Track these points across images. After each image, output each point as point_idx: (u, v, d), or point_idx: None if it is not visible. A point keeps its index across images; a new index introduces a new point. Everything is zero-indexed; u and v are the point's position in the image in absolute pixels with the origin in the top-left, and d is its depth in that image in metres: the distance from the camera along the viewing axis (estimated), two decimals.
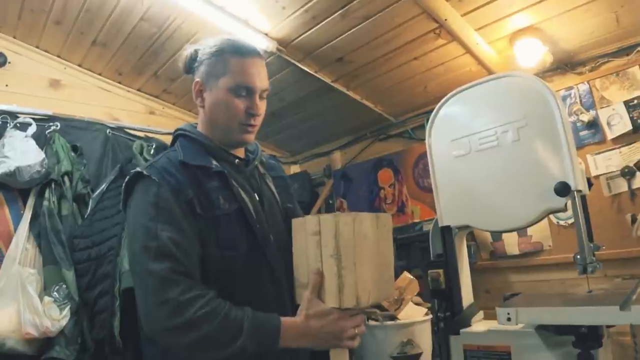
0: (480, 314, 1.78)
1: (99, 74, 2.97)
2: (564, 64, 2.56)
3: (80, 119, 2.70)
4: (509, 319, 1.41)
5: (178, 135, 1.34)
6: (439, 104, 1.82)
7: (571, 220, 2.46)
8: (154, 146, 2.82)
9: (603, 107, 2.45)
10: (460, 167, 1.70)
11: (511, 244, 2.72)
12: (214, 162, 1.26)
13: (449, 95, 1.80)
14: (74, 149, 2.56)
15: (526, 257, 2.69)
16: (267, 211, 1.31)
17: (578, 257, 1.42)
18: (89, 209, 2.44)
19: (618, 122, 2.40)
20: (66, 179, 2.42)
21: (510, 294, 2.51)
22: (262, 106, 1.30)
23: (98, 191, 2.49)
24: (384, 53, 2.54)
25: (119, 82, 3.04)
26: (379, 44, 2.46)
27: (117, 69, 2.90)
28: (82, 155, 2.57)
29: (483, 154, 1.64)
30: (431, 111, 1.60)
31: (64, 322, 2.05)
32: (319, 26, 2.38)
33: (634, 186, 2.34)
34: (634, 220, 2.32)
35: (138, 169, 1.21)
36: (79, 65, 2.90)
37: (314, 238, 1.14)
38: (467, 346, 1.58)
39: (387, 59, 2.59)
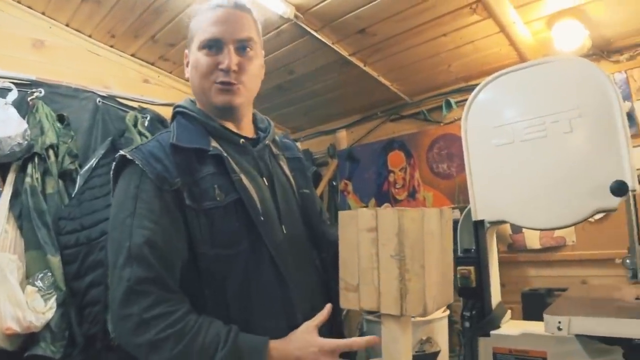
0: (508, 313, 1.69)
1: (89, 36, 2.72)
2: (600, 51, 2.46)
3: (67, 85, 2.50)
4: (559, 329, 1.31)
5: (176, 113, 1.18)
6: (478, 87, 1.68)
7: (599, 216, 2.36)
8: (148, 118, 2.65)
9: None
10: (501, 157, 1.59)
11: (532, 237, 2.65)
12: (213, 144, 1.09)
13: (490, 78, 1.67)
14: (60, 119, 2.36)
15: (547, 252, 2.64)
16: (280, 198, 1.16)
17: (628, 261, 1.34)
18: (77, 186, 2.25)
19: None
20: (51, 152, 2.23)
21: (529, 289, 2.47)
22: (242, 60, 1.12)
23: (87, 167, 2.31)
24: (412, 26, 2.37)
25: (111, 46, 2.81)
26: (408, 15, 2.27)
27: (110, 30, 2.66)
28: (69, 126, 2.37)
29: (528, 144, 1.53)
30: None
31: (49, 315, 1.88)
32: None
33: None
34: None
35: (122, 151, 1.07)
36: (67, 25, 2.64)
37: (368, 235, 1.01)
38: (498, 349, 1.50)
39: (414, 33, 2.42)
